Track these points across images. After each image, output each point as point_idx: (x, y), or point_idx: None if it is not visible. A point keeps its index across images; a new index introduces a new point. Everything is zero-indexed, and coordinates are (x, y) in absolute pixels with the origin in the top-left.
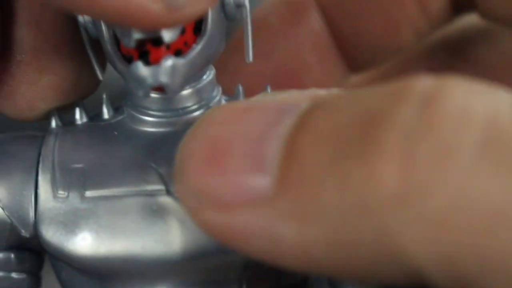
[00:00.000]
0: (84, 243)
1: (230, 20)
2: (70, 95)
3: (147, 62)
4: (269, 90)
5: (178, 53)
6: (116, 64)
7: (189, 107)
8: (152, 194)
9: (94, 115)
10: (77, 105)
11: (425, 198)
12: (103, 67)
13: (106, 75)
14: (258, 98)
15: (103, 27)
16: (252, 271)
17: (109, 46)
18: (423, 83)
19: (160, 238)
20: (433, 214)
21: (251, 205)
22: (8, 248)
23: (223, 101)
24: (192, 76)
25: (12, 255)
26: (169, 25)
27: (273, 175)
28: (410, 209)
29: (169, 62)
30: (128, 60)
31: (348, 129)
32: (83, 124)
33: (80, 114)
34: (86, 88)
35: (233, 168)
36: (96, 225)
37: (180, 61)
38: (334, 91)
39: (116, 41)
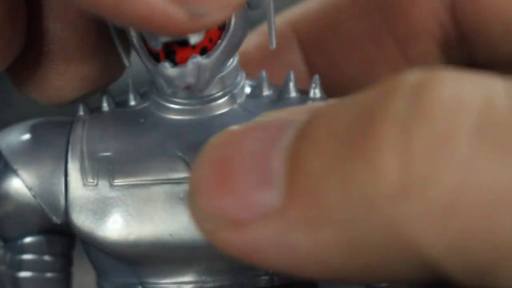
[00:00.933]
0: (113, 230)
1: (253, 9)
2: (96, 83)
3: (174, 62)
4: (292, 76)
5: (203, 50)
6: (143, 60)
7: (213, 94)
8: (178, 182)
9: (120, 102)
10: (104, 92)
11: (428, 188)
12: (128, 54)
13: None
14: (259, 119)
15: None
16: None
17: (136, 43)
18: (413, 75)
19: (187, 225)
20: (437, 203)
21: (263, 219)
22: (40, 232)
23: (247, 87)
24: (218, 71)
25: (44, 239)
26: (192, 32)
27: (280, 187)
28: (415, 201)
29: (195, 63)
30: (155, 56)
31: (346, 130)
32: (109, 111)
33: (107, 101)
34: (112, 74)
35: (242, 186)
36: (125, 213)
37: (206, 61)
38: (332, 101)
39: (143, 38)
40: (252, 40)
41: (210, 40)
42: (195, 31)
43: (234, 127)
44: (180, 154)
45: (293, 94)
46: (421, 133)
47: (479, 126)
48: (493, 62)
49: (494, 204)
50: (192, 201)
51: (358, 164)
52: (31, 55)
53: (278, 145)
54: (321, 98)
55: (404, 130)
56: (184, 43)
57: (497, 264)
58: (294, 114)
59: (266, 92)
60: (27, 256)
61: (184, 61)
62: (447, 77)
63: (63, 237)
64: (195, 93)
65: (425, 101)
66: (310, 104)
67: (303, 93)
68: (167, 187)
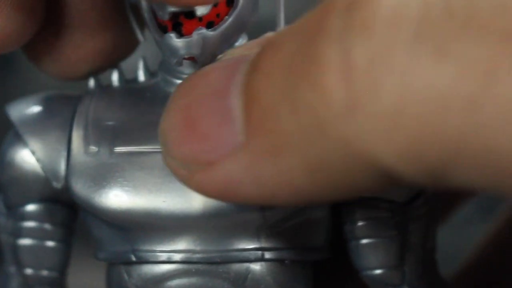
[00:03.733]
0: (109, 195)
1: None
2: (111, 56)
3: (180, 34)
4: None
5: (210, 24)
6: (152, 32)
7: None
8: None
9: (130, 79)
10: (115, 68)
11: (372, 101)
12: (142, 29)
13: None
14: (219, 59)
15: None
16: (270, 228)
17: (146, 15)
18: None
19: (181, 194)
20: (383, 115)
21: (230, 156)
22: (41, 200)
23: None
24: (223, 45)
25: (45, 207)
26: (202, 4)
27: (240, 123)
28: (361, 115)
29: (200, 34)
30: (163, 29)
31: (292, 57)
32: (119, 86)
33: (117, 76)
34: (126, 49)
35: (206, 128)
36: (121, 178)
37: (211, 34)
38: (283, 29)
39: (153, 11)
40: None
41: (217, 15)
42: (204, 3)
43: (197, 71)
44: None
45: None
46: (359, 48)
47: (417, 33)
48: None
49: (436, 105)
50: (165, 151)
51: (305, 89)
52: (50, 28)
53: (234, 81)
54: None
55: (342, 47)
56: (191, 15)
57: (448, 162)
58: (249, 48)
59: None
60: (28, 224)
61: (190, 32)
62: None
63: (65, 207)
64: (200, 64)
65: (361, 16)
66: (267, 35)
67: None
68: None
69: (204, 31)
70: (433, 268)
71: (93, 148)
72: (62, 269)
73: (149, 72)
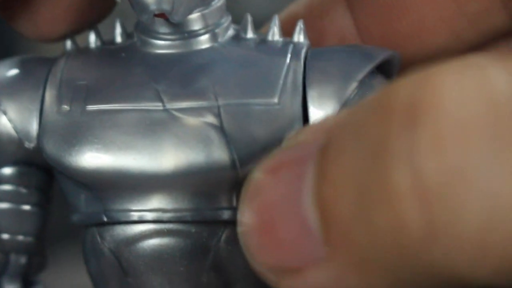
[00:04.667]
0: (79, 154)
1: None
2: (88, 17)
3: None
4: (276, 20)
5: None
6: None
7: (196, 31)
8: (148, 109)
9: (107, 41)
10: (92, 30)
11: (456, 223)
12: None
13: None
14: (282, 146)
15: None
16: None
17: None
18: (405, 91)
19: (151, 151)
20: (471, 234)
21: (314, 266)
22: (16, 163)
23: (231, 29)
24: (196, 3)
25: (20, 170)
26: None
27: (319, 234)
28: (446, 238)
29: None
30: None
31: (359, 171)
32: (95, 47)
33: (94, 37)
34: (102, 10)
35: (285, 235)
36: (92, 136)
37: None
38: (343, 115)
39: None
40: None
41: None
42: None
43: (262, 163)
44: (152, 83)
45: (276, 37)
46: (431, 168)
47: (493, 141)
48: None
49: None
50: (249, 256)
51: (380, 214)
52: None
53: (304, 187)
54: (304, 43)
55: (413, 170)
56: None
57: None
58: (312, 133)
59: (250, 35)
60: (3, 187)
61: None
62: (442, 89)
63: (40, 171)
64: (172, 20)
65: (427, 132)
66: (326, 119)
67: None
68: (135, 114)
69: None
70: None
71: (65, 107)
72: (39, 235)
73: (126, 34)
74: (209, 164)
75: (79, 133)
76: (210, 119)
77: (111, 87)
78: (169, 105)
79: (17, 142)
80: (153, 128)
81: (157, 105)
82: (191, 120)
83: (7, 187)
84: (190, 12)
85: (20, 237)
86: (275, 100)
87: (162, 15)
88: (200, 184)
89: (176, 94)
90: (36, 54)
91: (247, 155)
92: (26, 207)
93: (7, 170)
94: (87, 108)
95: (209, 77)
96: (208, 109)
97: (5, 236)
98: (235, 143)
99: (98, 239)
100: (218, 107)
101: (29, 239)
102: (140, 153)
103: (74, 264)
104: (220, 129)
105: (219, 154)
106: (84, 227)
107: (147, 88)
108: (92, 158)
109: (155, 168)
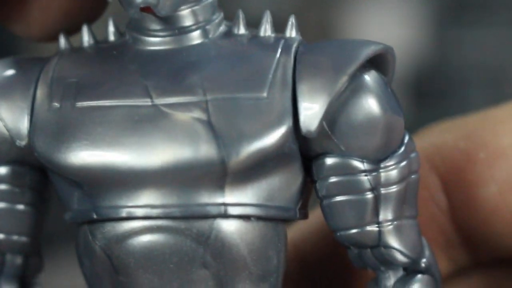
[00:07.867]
0: (68, 151)
1: None
2: (79, 18)
3: None
4: (268, 17)
5: None
6: None
7: (187, 27)
8: (137, 105)
9: (101, 40)
10: (85, 29)
11: None
12: None
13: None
14: None
15: None
16: (234, 182)
17: None
18: None
19: (139, 147)
20: None
21: None
22: (9, 162)
23: (223, 26)
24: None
25: (13, 169)
26: None
27: None
28: None
29: None
30: None
31: None
32: (88, 46)
33: (87, 36)
34: (94, 10)
35: None
36: (80, 133)
37: None
38: None
39: None
40: None
41: None
42: None
43: None
44: (142, 79)
45: (268, 33)
46: None
47: None
48: (499, 258)
49: None
50: None
51: None
52: None
53: None
54: (296, 38)
55: None
56: None
57: None
58: None
59: (242, 31)
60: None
61: None
62: None
63: (33, 170)
64: (159, 14)
65: None
66: None
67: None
68: (124, 110)
69: None
70: (412, 233)
71: (55, 105)
72: (34, 235)
73: (119, 32)
74: (197, 159)
75: (68, 130)
76: (198, 114)
77: (101, 84)
78: (157, 101)
79: (10, 141)
80: (142, 124)
81: (146, 101)
82: (179, 115)
83: (1, 186)
84: (178, 7)
85: (15, 237)
86: (264, 94)
87: (148, 9)
88: (188, 179)
89: (165, 89)
90: (35, 54)
91: (235, 149)
92: (20, 207)
93: (1, 170)
94: (76, 105)
95: (199, 72)
96: (196, 104)
97: (0, 236)
98: (223, 137)
99: (90, 237)
100: (206, 102)
101: (24, 239)
102: (128, 149)
103: (72, 264)
104: (208, 123)
105: (207, 149)
106: (77, 226)
107: (137, 84)
108: (80, 155)
109: (143, 163)
